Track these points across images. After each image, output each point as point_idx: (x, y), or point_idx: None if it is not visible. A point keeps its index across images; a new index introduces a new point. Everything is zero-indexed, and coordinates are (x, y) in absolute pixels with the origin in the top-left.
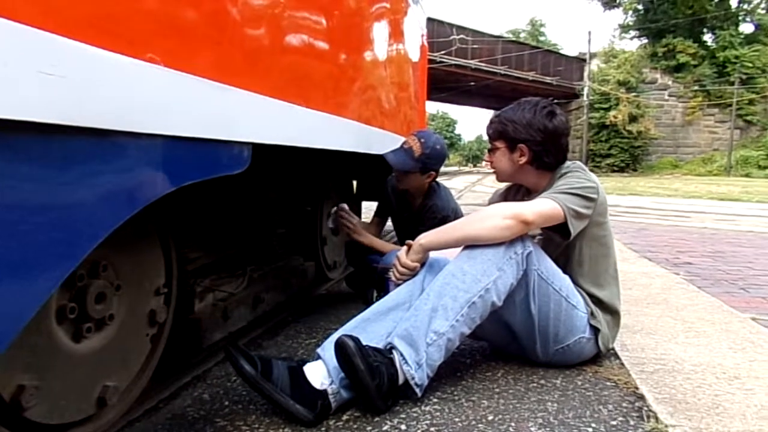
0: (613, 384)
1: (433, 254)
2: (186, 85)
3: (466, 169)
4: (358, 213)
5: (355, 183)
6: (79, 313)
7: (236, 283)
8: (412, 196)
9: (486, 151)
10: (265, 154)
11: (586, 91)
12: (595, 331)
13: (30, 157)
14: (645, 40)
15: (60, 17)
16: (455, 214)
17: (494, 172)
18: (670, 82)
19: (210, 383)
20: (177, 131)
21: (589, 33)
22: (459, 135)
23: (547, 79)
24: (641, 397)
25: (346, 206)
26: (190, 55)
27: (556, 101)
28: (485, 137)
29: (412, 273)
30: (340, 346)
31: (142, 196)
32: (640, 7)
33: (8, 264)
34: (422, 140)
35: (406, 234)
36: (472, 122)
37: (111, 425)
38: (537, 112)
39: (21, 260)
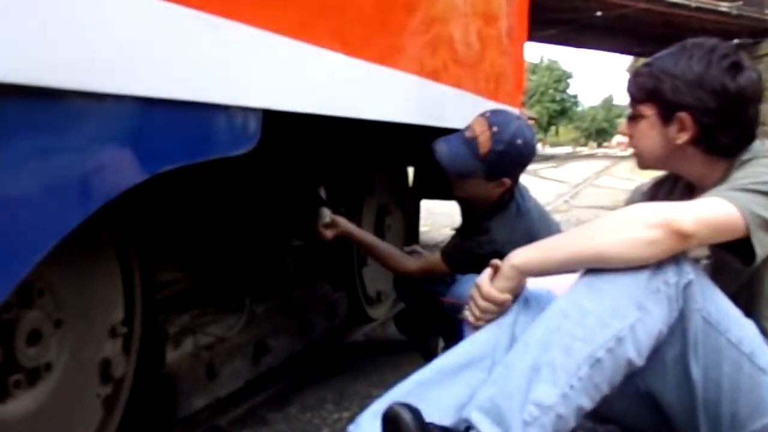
0: None
1: (530, 284)
2: (164, 20)
3: (586, 150)
4: (417, 216)
5: (411, 171)
6: (4, 360)
7: (229, 321)
8: (475, 207)
9: (623, 119)
10: (279, 125)
11: None
12: None
13: None
14: None
15: None
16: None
17: (634, 155)
18: None
19: None
20: (147, 90)
21: None
22: (575, 97)
23: (723, 6)
24: None
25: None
26: None
27: (737, 42)
28: (618, 101)
29: (500, 310)
30: (389, 421)
31: (100, 191)
32: None
33: None
34: (494, 128)
35: None
36: (595, 77)
37: None
38: (713, 64)
39: None
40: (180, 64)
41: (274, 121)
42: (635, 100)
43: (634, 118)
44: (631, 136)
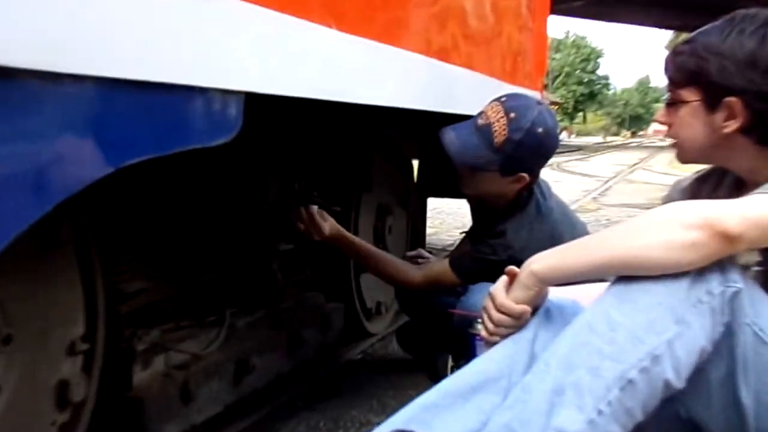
0: None
1: (552, 294)
2: None
3: (618, 140)
4: (423, 216)
5: (416, 164)
6: None
7: (206, 337)
8: (488, 206)
9: (661, 104)
10: (263, 111)
11: None
12: None
13: None
14: None
15: None
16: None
17: (674, 146)
18: None
19: None
20: (111, 70)
21: None
22: (605, 78)
23: None
24: None
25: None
26: None
27: None
28: (655, 82)
29: (517, 323)
30: None
31: (57, 185)
32: None
33: None
34: (511, 115)
35: None
36: (629, 55)
37: None
38: (767, 39)
39: None
40: (149, 40)
41: (258, 106)
42: (675, 84)
43: (673, 103)
44: (670, 125)
